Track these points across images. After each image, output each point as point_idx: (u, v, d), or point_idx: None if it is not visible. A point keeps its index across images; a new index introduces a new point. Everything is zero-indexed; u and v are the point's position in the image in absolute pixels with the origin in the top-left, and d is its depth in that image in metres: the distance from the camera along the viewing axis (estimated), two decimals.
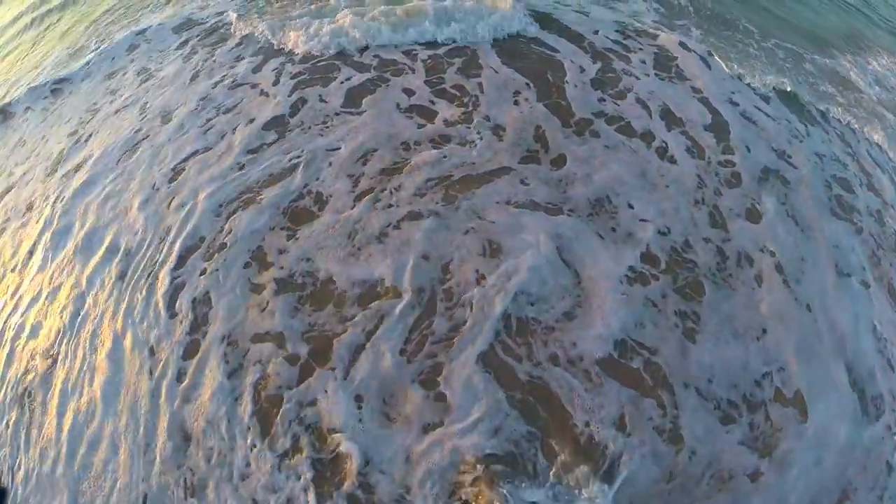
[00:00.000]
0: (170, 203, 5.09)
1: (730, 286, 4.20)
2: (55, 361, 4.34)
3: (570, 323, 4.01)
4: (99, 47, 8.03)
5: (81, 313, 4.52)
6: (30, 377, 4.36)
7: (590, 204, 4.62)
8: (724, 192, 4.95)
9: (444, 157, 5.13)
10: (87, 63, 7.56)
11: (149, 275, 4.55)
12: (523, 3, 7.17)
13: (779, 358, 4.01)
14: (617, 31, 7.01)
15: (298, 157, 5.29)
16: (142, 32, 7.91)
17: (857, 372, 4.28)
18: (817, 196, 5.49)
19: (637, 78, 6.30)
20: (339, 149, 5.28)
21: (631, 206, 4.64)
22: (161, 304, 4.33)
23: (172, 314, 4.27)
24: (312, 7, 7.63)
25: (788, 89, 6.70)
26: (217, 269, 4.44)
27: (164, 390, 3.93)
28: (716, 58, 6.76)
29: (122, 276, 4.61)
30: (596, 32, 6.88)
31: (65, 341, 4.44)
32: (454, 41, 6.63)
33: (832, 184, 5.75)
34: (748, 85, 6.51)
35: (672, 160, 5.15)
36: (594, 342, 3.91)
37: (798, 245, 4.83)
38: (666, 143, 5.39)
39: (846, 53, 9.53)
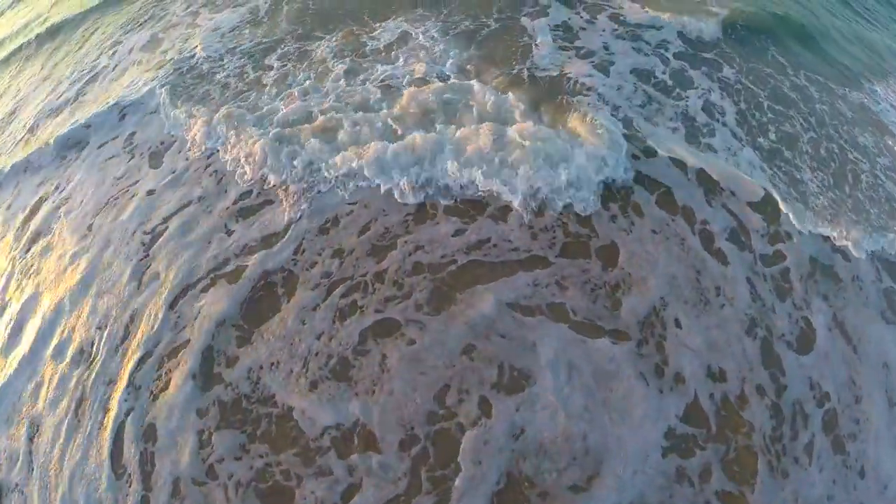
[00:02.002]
0: (140, 282, 3.94)
1: (783, 469, 3.13)
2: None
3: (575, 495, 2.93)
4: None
5: (36, 446, 3.60)
6: None
7: (639, 325, 3.41)
8: (776, 308, 3.78)
9: (458, 233, 3.79)
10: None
11: (100, 400, 3.54)
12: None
13: None
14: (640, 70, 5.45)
15: (296, 213, 4.03)
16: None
17: None
18: (867, 297, 4.36)
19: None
20: (353, 203, 4.05)
21: (679, 325, 3.45)
22: (108, 461, 3.34)
23: (120, 471, 3.27)
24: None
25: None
26: (164, 387, 3.28)
27: None
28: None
29: (78, 405, 3.58)
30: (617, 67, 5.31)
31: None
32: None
33: (882, 273, 4.55)
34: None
35: (721, 256, 3.92)
36: None
37: (851, 377, 3.78)
38: (710, 228, 4.11)
39: (874, 85, 8.02)
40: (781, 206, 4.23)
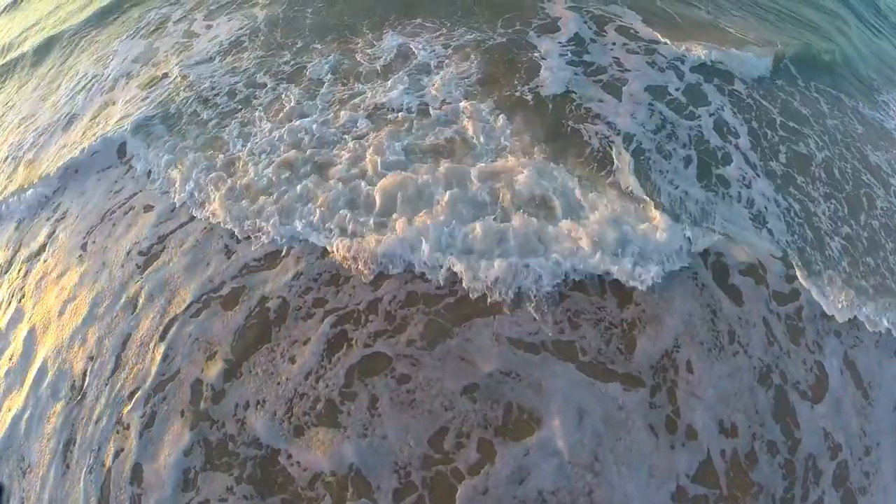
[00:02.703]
0: (135, 305, 3.66)
1: None
2: None
3: None
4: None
5: (27, 483, 3.42)
6: None
7: (651, 370, 3.13)
8: (791, 352, 3.50)
9: None
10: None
11: (88, 441, 3.29)
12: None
13: None
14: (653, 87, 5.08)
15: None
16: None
17: None
18: (880, 334, 4.05)
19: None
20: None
21: (691, 370, 3.19)
22: None
23: None
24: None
25: None
26: (150, 424, 3.13)
27: None
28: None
29: (67, 445, 3.34)
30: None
31: None
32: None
33: None
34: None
35: (737, 295, 3.59)
36: None
37: (862, 426, 3.54)
38: (724, 260, 3.79)
39: (885, 96, 7.63)
40: (803, 282, 3.83)
